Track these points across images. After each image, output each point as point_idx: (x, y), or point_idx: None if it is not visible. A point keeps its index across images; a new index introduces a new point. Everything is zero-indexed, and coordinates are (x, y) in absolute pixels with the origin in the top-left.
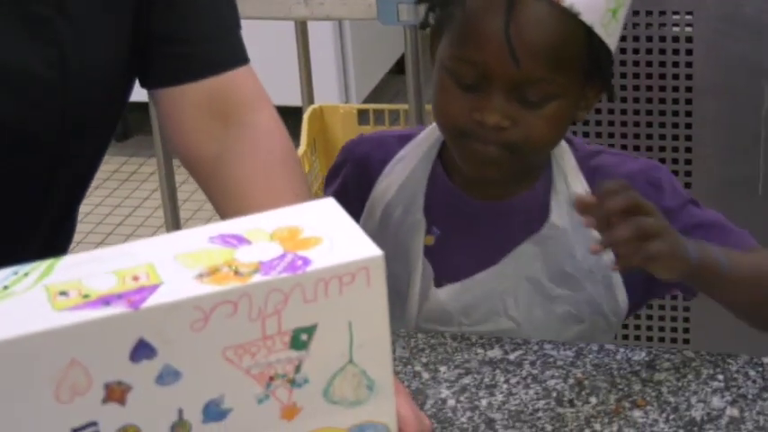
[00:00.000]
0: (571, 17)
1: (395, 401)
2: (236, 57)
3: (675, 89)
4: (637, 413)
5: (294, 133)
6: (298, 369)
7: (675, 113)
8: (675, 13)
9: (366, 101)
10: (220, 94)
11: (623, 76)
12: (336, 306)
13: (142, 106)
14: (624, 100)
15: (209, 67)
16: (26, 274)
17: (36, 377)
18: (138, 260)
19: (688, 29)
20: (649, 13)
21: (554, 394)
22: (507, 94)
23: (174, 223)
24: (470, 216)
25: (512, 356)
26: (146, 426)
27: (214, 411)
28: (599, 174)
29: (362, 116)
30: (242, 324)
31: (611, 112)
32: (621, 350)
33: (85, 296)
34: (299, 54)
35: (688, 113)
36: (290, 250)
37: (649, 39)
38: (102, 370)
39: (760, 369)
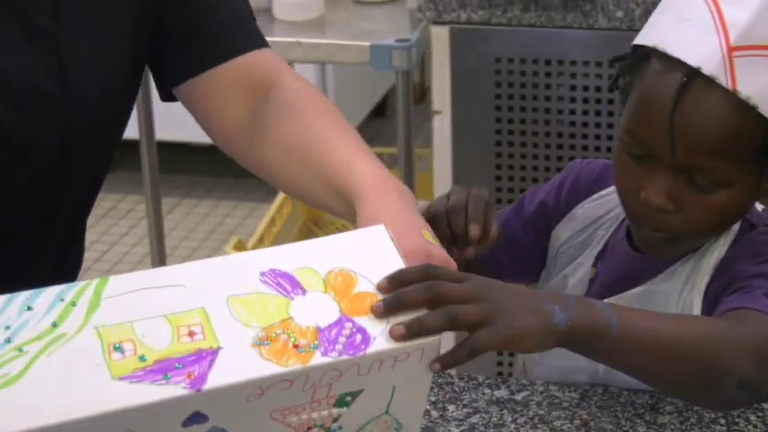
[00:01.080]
0: (747, 109)
1: None
2: (255, 41)
3: None
4: None
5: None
6: (336, 419)
7: None
8: None
9: None
10: (245, 72)
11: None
12: (386, 376)
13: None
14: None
15: (229, 50)
16: (73, 304)
17: None
18: (189, 300)
19: None
20: None
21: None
22: (674, 175)
23: (159, 258)
24: (623, 260)
25: (518, 397)
26: None
27: None
28: (737, 241)
29: None
30: (295, 395)
31: None
32: (625, 393)
33: (141, 358)
34: None
35: None
36: (346, 314)
37: None
38: None
39: (761, 414)
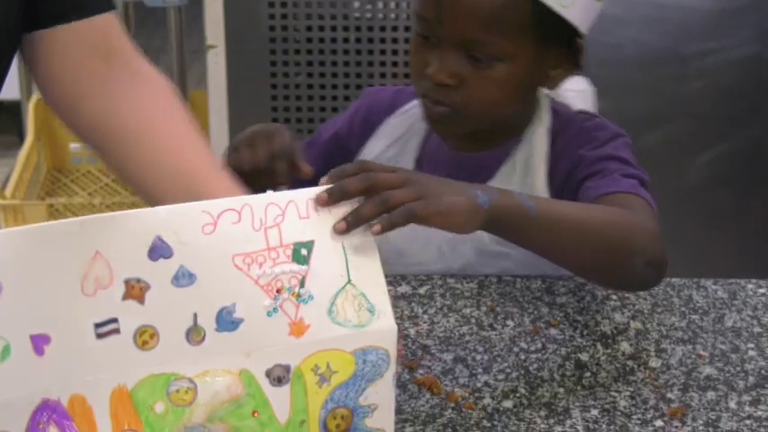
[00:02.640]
0: None
1: (396, 331)
2: (108, 2)
3: None
4: (554, 331)
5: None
6: (302, 283)
7: None
8: None
9: None
10: (104, 35)
11: None
12: (328, 225)
13: None
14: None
15: (96, 6)
16: None
17: (65, 265)
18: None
19: None
20: None
21: (473, 320)
22: (456, 52)
23: None
24: (446, 165)
25: (421, 291)
26: (163, 327)
27: (227, 320)
28: (562, 133)
29: None
30: (247, 232)
31: None
32: (519, 280)
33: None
34: None
35: None
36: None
37: None
38: (122, 265)
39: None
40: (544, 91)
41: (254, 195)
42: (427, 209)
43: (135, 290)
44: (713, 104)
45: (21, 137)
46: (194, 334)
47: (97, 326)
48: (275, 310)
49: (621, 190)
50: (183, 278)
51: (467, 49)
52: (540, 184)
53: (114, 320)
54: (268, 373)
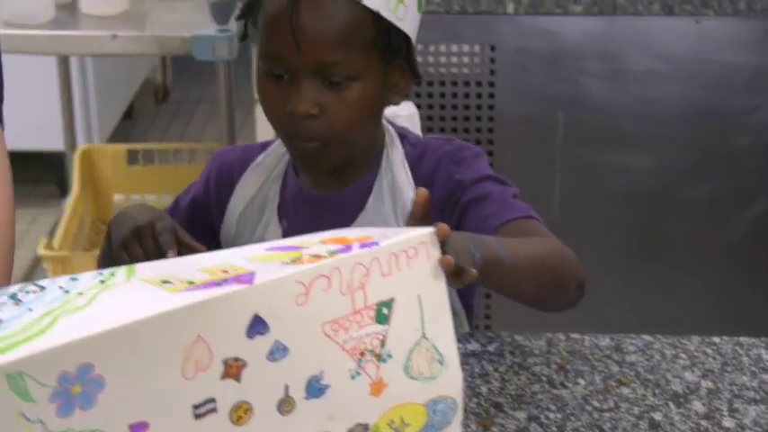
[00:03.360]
0: (354, 3)
1: (462, 377)
2: None
3: (479, 118)
4: (625, 390)
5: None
6: (383, 344)
7: (478, 141)
8: (477, 48)
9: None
10: None
11: (430, 107)
12: (407, 280)
13: None
14: (430, 129)
15: None
16: (112, 274)
17: (168, 352)
18: (216, 262)
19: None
20: (455, 48)
21: (544, 378)
22: (312, 80)
23: None
24: (311, 207)
25: (491, 348)
26: (257, 402)
27: (315, 388)
28: (420, 162)
29: (132, 157)
30: (335, 298)
31: None
32: (587, 338)
33: (191, 283)
34: (61, 96)
35: (490, 141)
36: (349, 244)
37: (455, 71)
38: (222, 346)
39: (714, 347)
40: (386, 112)
41: (343, 256)
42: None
43: (233, 369)
44: (756, 160)
45: (60, 187)
46: (285, 405)
47: (195, 407)
48: (358, 373)
49: (519, 215)
50: (278, 352)
51: (323, 75)
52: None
53: (212, 400)
54: None
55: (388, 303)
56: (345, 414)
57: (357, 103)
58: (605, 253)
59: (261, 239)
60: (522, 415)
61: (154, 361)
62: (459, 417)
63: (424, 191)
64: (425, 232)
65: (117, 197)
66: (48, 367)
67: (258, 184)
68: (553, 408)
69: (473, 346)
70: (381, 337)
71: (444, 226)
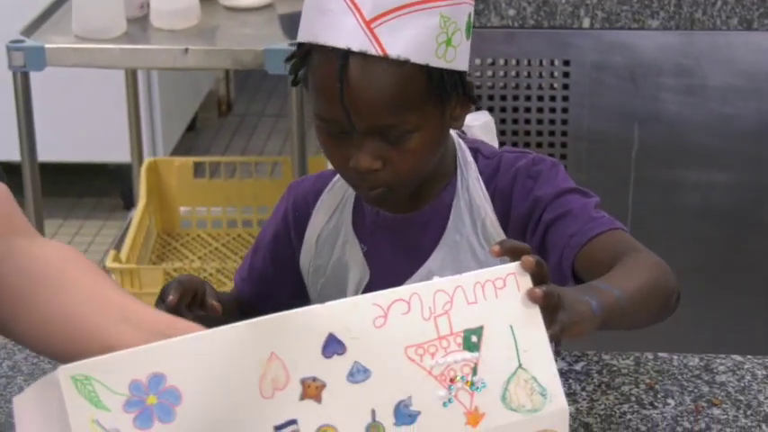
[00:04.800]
0: (401, 64)
1: (568, 411)
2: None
3: (552, 133)
4: (716, 411)
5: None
6: (474, 371)
7: (551, 156)
8: (552, 62)
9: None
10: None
11: (503, 121)
12: (496, 309)
13: None
14: (503, 144)
15: None
16: None
17: (243, 368)
18: None
19: (565, 79)
20: (530, 62)
21: (633, 398)
22: (371, 139)
23: None
24: (390, 230)
25: (577, 367)
26: (343, 427)
27: (404, 414)
28: (495, 177)
29: (198, 169)
30: (417, 323)
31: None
32: (675, 357)
33: None
34: (129, 109)
35: (563, 156)
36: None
37: (529, 86)
38: (297, 365)
39: None
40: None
41: (422, 283)
42: (571, 319)
43: (311, 389)
44: None
45: (124, 200)
46: (374, 430)
47: (277, 428)
48: (450, 400)
49: (604, 229)
50: (359, 374)
51: (380, 134)
52: (491, 227)
53: (294, 422)
54: None
55: (477, 331)
56: None
57: (419, 150)
58: (679, 271)
59: (340, 260)
60: None
61: (228, 375)
62: None
63: (496, 247)
64: (513, 264)
65: (183, 209)
66: (116, 373)
67: (332, 207)
68: (643, 428)
69: (560, 365)
70: (472, 365)
71: (530, 259)
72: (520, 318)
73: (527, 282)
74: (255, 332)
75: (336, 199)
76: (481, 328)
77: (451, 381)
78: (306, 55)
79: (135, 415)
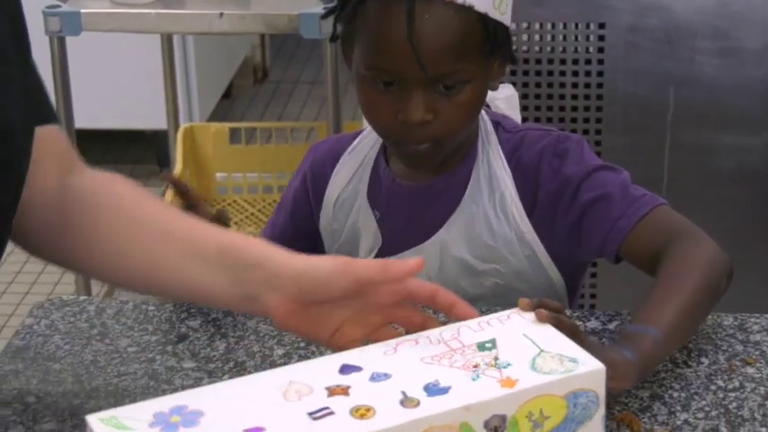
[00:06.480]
0: (466, 10)
1: (604, 371)
2: (56, 115)
3: (587, 97)
4: (750, 370)
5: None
6: (496, 359)
7: (586, 120)
8: (587, 26)
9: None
10: (55, 140)
11: (538, 86)
12: (505, 329)
13: None
14: (537, 108)
15: (48, 114)
16: None
17: (264, 390)
18: None
19: (600, 42)
20: (565, 25)
21: (666, 357)
22: (425, 88)
23: None
24: (404, 198)
25: (611, 326)
26: (376, 404)
27: (435, 389)
28: (518, 152)
29: (233, 135)
30: (427, 346)
31: (524, 120)
32: (709, 316)
33: None
34: (165, 76)
35: (598, 120)
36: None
37: (563, 50)
38: (318, 382)
39: None
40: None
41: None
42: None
43: (337, 390)
44: None
45: (160, 166)
46: (408, 402)
47: (310, 414)
48: (479, 376)
49: (647, 209)
50: (380, 377)
51: (436, 82)
52: (509, 200)
53: (326, 408)
54: (486, 424)
55: (490, 341)
56: (482, 405)
57: (469, 104)
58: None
59: (355, 226)
60: (644, 393)
61: (249, 397)
62: (601, 411)
63: (524, 301)
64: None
65: (219, 175)
66: (140, 413)
67: (352, 170)
68: (677, 387)
69: (593, 324)
70: (492, 357)
71: (543, 313)
72: (531, 329)
73: (531, 315)
74: (271, 375)
75: (356, 162)
76: (494, 339)
77: (475, 366)
78: (359, 4)
79: (160, 428)
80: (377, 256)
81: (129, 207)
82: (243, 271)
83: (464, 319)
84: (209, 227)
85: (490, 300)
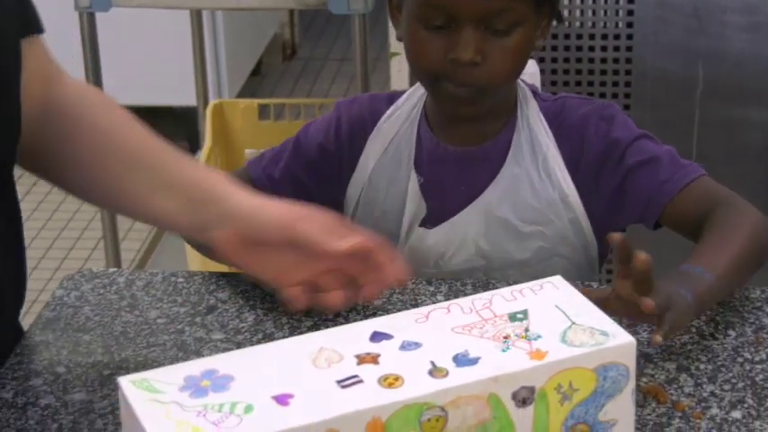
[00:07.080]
0: None
1: (635, 344)
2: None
3: (616, 72)
4: None
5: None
6: (527, 331)
7: (615, 95)
8: (617, 1)
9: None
10: (41, 51)
11: (566, 60)
12: (538, 299)
13: None
14: (566, 83)
15: (35, 25)
16: None
17: (294, 356)
18: None
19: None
20: (594, 0)
21: (693, 329)
22: (476, 28)
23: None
24: (448, 163)
25: None
26: (405, 373)
27: (464, 359)
28: (560, 117)
29: (262, 111)
30: (459, 315)
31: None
32: (737, 290)
33: None
34: (194, 52)
35: (627, 95)
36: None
37: (593, 24)
38: (348, 348)
39: None
40: None
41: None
42: (676, 319)
43: (367, 359)
44: None
45: (190, 142)
46: (437, 372)
47: (339, 381)
48: (508, 347)
49: (694, 176)
50: (410, 346)
51: (487, 23)
52: (552, 162)
53: (355, 376)
54: (514, 396)
55: (522, 312)
56: (510, 376)
57: (518, 49)
58: None
59: (398, 194)
60: (671, 366)
61: (279, 362)
62: (631, 385)
63: (616, 236)
64: (550, 278)
65: (248, 151)
66: (171, 374)
67: (390, 137)
68: (703, 359)
69: None
70: (523, 328)
71: (651, 303)
72: (564, 300)
73: (567, 285)
74: (304, 340)
75: (394, 129)
76: (525, 310)
77: (505, 338)
78: None
79: (190, 393)
80: (422, 224)
81: (104, 130)
82: (202, 204)
83: (391, 278)
84: (177, 155)
85: (535, 266)
